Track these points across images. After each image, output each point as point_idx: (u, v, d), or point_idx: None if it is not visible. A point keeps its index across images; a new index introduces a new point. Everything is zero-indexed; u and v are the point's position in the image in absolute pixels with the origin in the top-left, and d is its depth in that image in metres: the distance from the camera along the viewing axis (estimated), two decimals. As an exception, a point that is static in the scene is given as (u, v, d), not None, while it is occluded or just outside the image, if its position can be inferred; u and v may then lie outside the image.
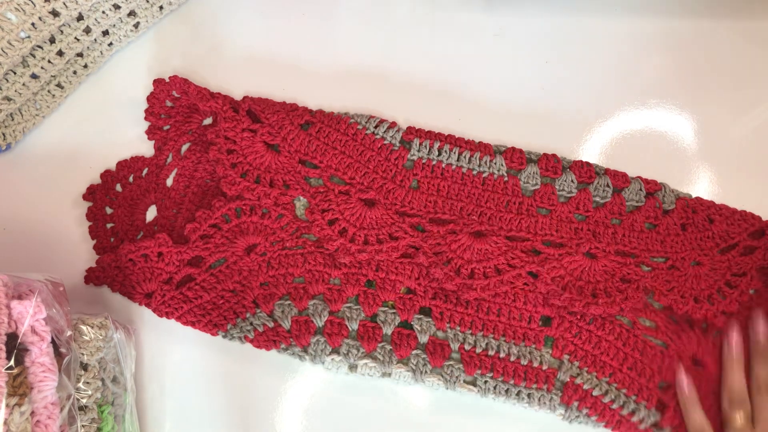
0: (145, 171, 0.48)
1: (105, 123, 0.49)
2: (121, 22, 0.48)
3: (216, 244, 0.45)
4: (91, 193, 0.47)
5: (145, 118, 0.48)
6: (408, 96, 0.49)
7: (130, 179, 0.48)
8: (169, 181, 0.48)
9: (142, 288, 0.44)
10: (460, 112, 0.49)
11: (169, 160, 0.48)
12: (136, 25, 0.49)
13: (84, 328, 0.37)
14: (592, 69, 0.50)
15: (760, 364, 0.41)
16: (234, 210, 0.45)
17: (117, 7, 0.47)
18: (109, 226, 0.47)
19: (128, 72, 0.50)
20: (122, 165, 0.48)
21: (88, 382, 0.37)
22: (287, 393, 0.45)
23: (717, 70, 0.49)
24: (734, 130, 0.48)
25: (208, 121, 0.48)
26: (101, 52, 0.49)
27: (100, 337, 0.38)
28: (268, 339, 0.43)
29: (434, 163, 0.46)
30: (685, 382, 0.42)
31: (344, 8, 0.51)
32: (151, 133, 0.48)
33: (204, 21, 0.51)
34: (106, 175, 0.47)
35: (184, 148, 0.48)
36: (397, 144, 0.46)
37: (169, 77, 0.47)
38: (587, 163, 0.46)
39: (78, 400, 0.36)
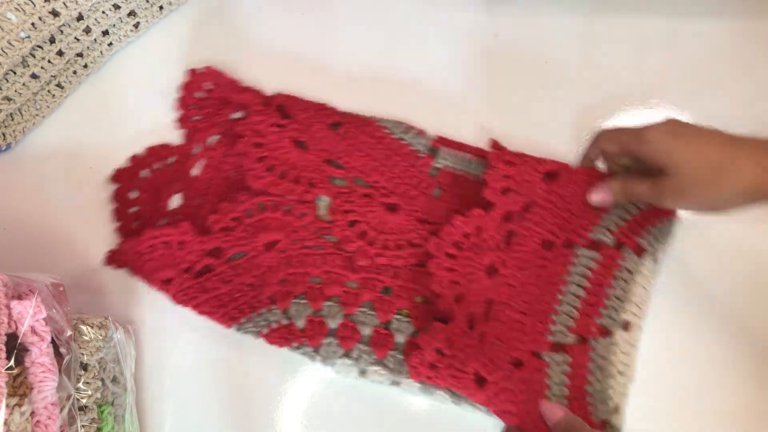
0: (171, 159, 0.48)
1: (105, 123, 0.49)
2: (121, 22, 0.48)
3: (237, 237, 0.44)
4: (117, 176, 0.47)
5: (177, 108, 0.48)
6: (407, 96, 0.49)
7: (157, 166, 0.48)
8: (194, 172, 0.48)
9: (162, 274, 0.43)
10: (459, 111, 0.49)
11: (197, 150, 0.48)
12: (136, 25, 0.49)
13: (84, 328, 0.37)
14: (592, 69, 0.50)
15: None
16: (257, 205, 0.45)
17: (117, 7, 0.47)
18: (132, 210, 0.47)
19: (128, 72, 0.50)
20: (151, 151, 0.48)
21: (88, 382, 0.37)
22: (287, 393, 0.45)
23: (717, 69, 0.49)
24: (733, 130, 0.48)
25: (237, 115, 0.48)
26: (101, 52, 0.49)
27: (100, 337, 0.38)
28: (282, 336, 0.43)
29: (458, 173, 0.46)
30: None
31: (344, 8, 0.51)
32: (181, 122, 0.48)
33: (203, 21, 0.51)
34: (134, 159, 0.47)
35: (213, 140, 0.48)
36: (424, 151, 0.46)
37: (204, 67, 0.47)
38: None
39: (78, 400, 0.36)
